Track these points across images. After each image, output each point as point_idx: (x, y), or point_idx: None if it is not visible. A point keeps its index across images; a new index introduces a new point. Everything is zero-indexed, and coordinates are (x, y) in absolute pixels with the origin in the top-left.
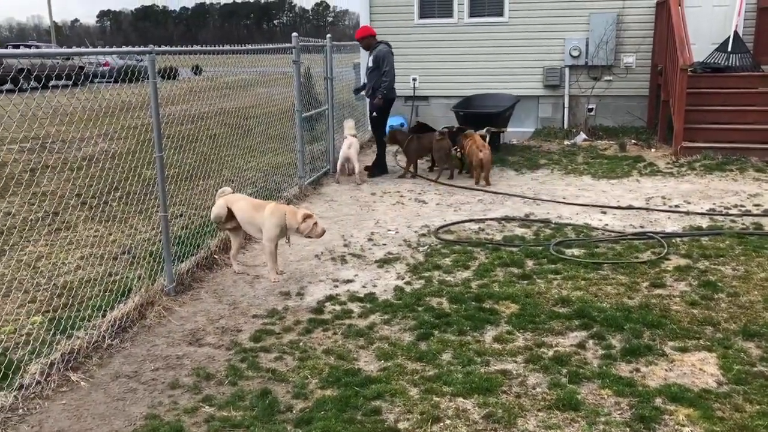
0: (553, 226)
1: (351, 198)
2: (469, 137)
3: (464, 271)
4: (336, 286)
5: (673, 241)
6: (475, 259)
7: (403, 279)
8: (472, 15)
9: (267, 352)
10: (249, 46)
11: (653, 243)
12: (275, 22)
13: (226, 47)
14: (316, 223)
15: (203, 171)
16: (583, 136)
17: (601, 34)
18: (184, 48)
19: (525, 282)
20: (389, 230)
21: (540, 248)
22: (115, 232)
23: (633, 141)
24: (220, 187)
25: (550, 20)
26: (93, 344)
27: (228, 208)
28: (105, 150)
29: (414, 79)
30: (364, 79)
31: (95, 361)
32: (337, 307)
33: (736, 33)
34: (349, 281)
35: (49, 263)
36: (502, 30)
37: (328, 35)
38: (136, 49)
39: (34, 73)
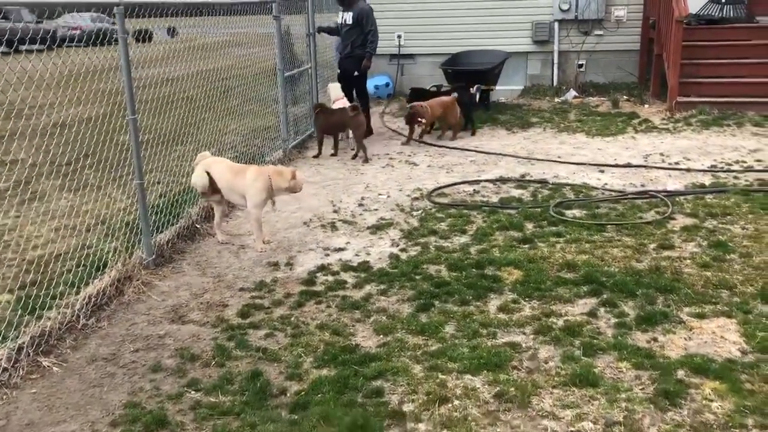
0: (550, 186)
1: (338, 161)
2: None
3: (461, 235)
4: (327, 255)
5: (677, 199)
6: (472, 223)
7: (397, 246)
8: None
9: (256, 329)
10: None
11: (656, 202)
12: None
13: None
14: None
15: (180, 135)
16: (573, 93)
17: None
18: (161, 0)
19: (527, 246)
20: (380, 194)
21: (539, 210)
22: (90, 202)
23: (625, 97)
24: (199, 152)
25: None
26: (66, 325)
27: (208, 174)
28: (77, 115)
29: (399, 37)
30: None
31: (69, 344)
32: (330, 278)
33: None
34: (340, 249)
35: (19, 237)
36: None
37: None
38: (102, 1)
39: (5, 37)
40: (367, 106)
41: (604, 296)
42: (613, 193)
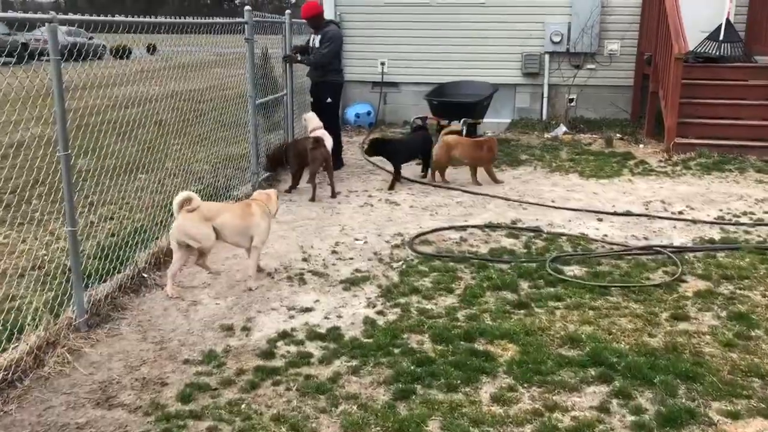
0: (545, 236)
1: (306, 204)
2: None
3: (448, 296)
4: (292, 317)
5: (685, 257)
6: (459, 280)
7: (374, 307)
8: None
9: (198, 420)
10: (188, 19)
11: (663, 259)
12: (236, 1)
13: (158, 18)
14: None
15: (145, 162)
16: (563, 128)
17: (585, 19)
18: (96, 18)
19: (522, 312)
20: (357, 239)
21: (534, 265)
22: (30, 239)
23: (619, 135)
24: (180, 191)
25: (530, 2)
26: None
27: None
28: (36, 136)
29: (382, 64)
30: None
31: None
32: (293, 349)
33: (728, 21)
34: (308, 310)
35: None
36: (478, 12)
37: (287, 11)
38: (36, 16)
39: None
40: (338, 137)
41: (616, 384)
42: (615, 248)
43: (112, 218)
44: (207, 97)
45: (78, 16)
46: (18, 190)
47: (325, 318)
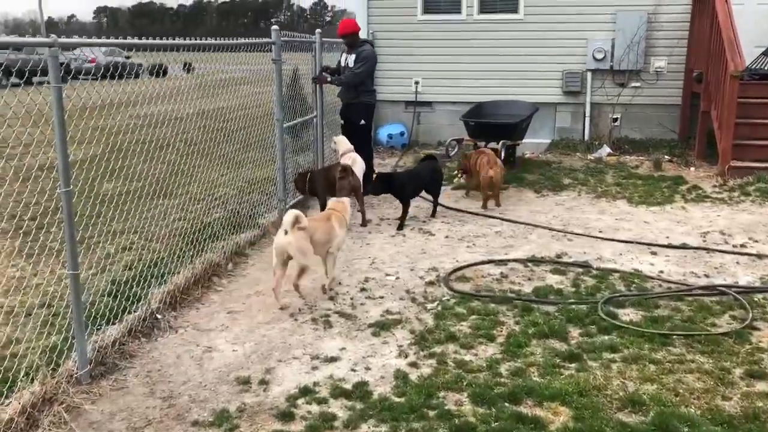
0: (594, 272)
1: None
2: (478, 153)
3: (488, 344)
4: (315, 368)
5: (754, 298)
6: (501, 325)
7: (406, 357)
8: (482, 11)
9: None
10: (212, 41)
11: (729, 301)
12: (273, 20)
13: (179, 41)
14: None
15: (169, 185)
16: (607, 149)
17: (631, 35)
18: (104, 40)
19: (574, 366)
20: (388, 275)
21: (585, 308)
22: (43, 271)
23: (667, 157)
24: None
25: (572, 18)
26: None
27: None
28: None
29: (416, 83)
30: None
31: None
32: (314, 408)
33: None
34: (333, 359)
35: None
36: (516, 28)
37: (318, 30)
38: (35, 39)
39: (15, 69)
40: (370, 160)
41: None
42: (673, 287)
43: (129, 248)
44: (237, 115)
45: (78, 40)
46: (38, 217)
47: (352, 370)
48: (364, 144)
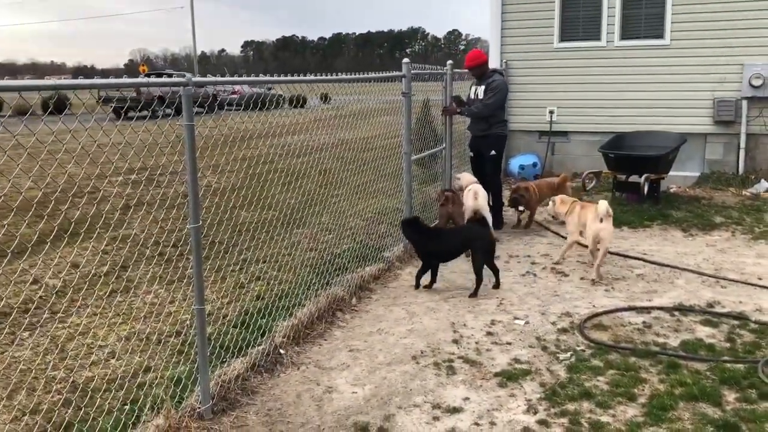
0: (752, 326)
1: (468, 263)
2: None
3: (629, 404)
4: (436, 418)
5: None
6: (643, 383)
7: (535, 413)
8: (624, 37)
9: None
10: (345, 75)
11: None
12: (407, 50)
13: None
14: None
15: (303, 216)
16: (765, 185)
17: None
18: (231, 78)
19: None
20: (516, 318)
21: (742, 368)
22: (177, 300)
23: None
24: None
25: (725, 42)
26: None
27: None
28: (209, 185)
29: (551, 112)
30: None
31: None
32: None
33: None
34: (455, 410)
35: (82, 345)
36: (661, 54)
37: (449, 62)
38: (170, 80)
39: (166, 100)
40: (499, 193)
41: None
42: None
43: (260, 278)
44: (372, 145)
45: (211, 79)
46: (179, 245)
47: (476, 424)
48: (494, 176)
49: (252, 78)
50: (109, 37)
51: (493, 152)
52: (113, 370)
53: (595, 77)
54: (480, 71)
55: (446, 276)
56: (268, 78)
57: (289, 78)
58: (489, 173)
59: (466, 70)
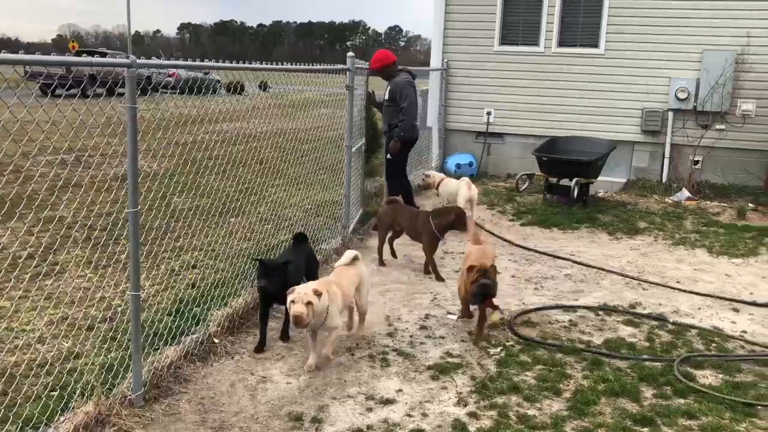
0: (670, 326)
1: (405, 257)
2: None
3: (554, 398)
4: (369, 409)
5: None
6: (568, 378)
7: (465, 405)
8: (561, 44)
9: None
10: (291, 66)
11: None
12: (348, 43)
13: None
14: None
15: (241, 203)
16: (686, 193)
17: (717, 75)
18: (181, 62)
19: (646, 431)
20: (450, 314)
21: (660, 366)
22: (106, 286)
23: (752, 206)
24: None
25: (655, 55)
26: None
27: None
28: (141, 168)
29: (488, 113)
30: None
31: None
32: None
33: None
34: (388, 402)
35: (7, 330)
36: (596, 63)
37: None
38: (115, 60)
39: (98, 80)
40: (400, 193)
41: None
42: (758, 349)
43: (195, 266)
44: (312, 137)
45: (156, 61)
46: (109, 227)
47: (408, 415)
48: (393, 177)
49: (198, 63)
50: (35, 8)
51: (388, 156)
52: (42, 354)
53: (532, 81)
54: (386, 73)
55: (384, 271)
56: (214, 64)
57: (235, 65)
58: (386, 173)
59: (415, 68)
